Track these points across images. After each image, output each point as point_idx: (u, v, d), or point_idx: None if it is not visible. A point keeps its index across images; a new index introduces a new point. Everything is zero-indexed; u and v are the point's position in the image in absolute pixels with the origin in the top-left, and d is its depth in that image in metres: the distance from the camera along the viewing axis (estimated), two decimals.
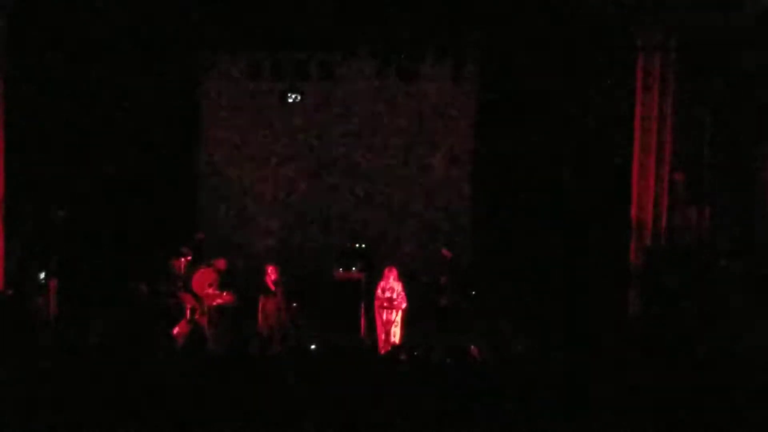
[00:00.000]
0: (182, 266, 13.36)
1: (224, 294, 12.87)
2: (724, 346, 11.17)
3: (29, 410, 7.98)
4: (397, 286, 12.62)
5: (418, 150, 15.80)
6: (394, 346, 11.98)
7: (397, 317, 12.55)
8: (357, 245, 14.61)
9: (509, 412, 8.15)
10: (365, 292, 13.26)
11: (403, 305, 12.58)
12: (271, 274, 13.01)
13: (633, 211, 12.85)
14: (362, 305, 13.26)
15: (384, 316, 12.63)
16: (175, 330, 12.25)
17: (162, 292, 13.21)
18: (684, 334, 11.45)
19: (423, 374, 9.31)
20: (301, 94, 14.32)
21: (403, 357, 11.16)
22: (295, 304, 13.83)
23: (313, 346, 11.60)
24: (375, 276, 13.24)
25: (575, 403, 8.42)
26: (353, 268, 14.13)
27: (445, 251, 13.98)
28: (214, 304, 12.78)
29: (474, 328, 13.22)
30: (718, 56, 12.07)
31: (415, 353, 11.69)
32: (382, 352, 12.12)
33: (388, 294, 12.60)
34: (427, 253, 15.25)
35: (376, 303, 12.73)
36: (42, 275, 13.10)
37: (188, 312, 12.65)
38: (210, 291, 12.78)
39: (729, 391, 8.70)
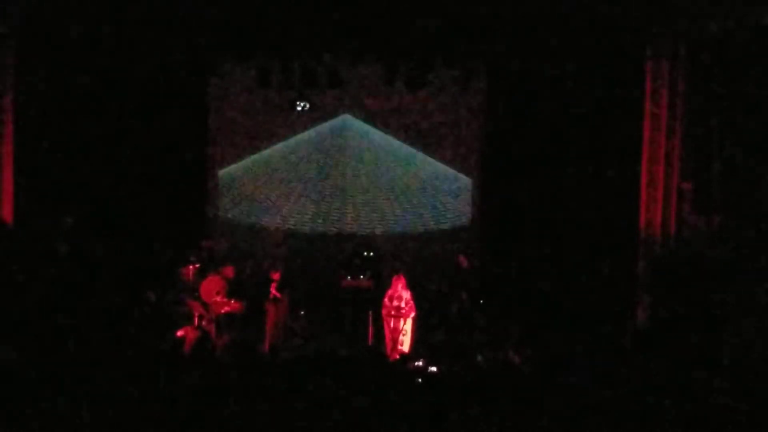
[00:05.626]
0: (190, 274, 13.37)
1: (232, 302, 12.88)
2: (733, 355, 11.16)
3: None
4: (406, 294, 12.61)
5: (426, 157, 15.82)
6: (403, 355, 12.00)
7: (405, 326, 12.54)
8: (365, 253, 14.61)
9: (517, 419, 8.14)
10: (373, 300, 13.25)
11: (412, 314, 12.57)
12: (276, 280, 13.02)
13: (641, 221, 12.83)
14: (370, 313, 13.26)
15: (392, 324, 12.62)
16: (180, 332, 12.22)
17: (170, 299, 13.22)
18: (694, 343, 11.43)
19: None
20: (309, 102, 14.33)
21: (417, 365, 11.20)
22: (302, 312, 13.84)
23: (319, 354, 11.64)
24: (383, 284, 13.24)
25: (585, 411, 8.41)
26: (361, 276, 14.14)
27: (461, 258, 13.98)
28: (222, 311, 12.79)
29: (482, 337, 13.21)
30: (727, 64, 12.05)
31: (421, 361, 11.76)
32: (390, 360, 12.13)
33: (395, 302, 12.60)
34: (436, 261, 15.25)
35: (384, 311, 12.72)
36: None
37: (196, 319, 12.65)
38: (218, 299, 12.80)
39: (740, 398, 8.68)
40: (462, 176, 15.83)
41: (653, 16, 12.27)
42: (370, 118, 15.73)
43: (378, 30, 12.94)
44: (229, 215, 15.90)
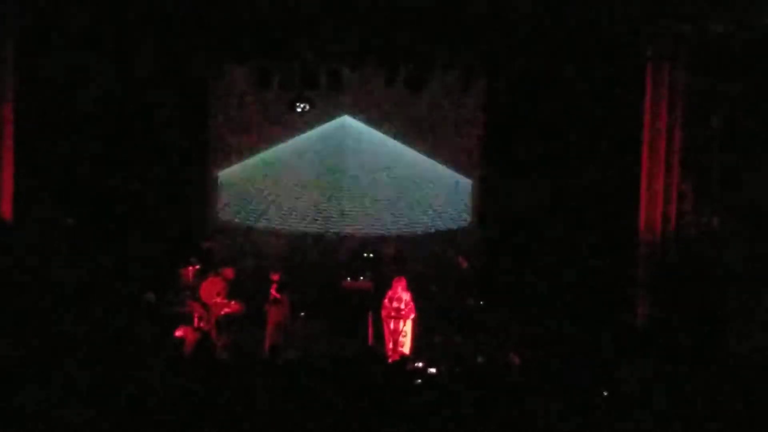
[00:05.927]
0: (190, 275, 13.36)
1: (232, 303, 12.86)
2: (733, 355, 11.16)
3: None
4: (406, 296, 12.60)
5: (426, 158, 15.82)
6: (403, 356, 11.98)
7: (405, 327, 12.53)
8: (365, 254, 14.60)
9: (517, 419, 8.14)
10: (373, 302, 13.24)
11: (412, 315, 12.57)
12: (276, 282, 13.01)
13: (641, 221, 12.83)
14: (370, 315, 13.25)
15: (392, 326, 12.61)
16: (179, 332, 12.20)
17: (170, 300, 13.22)
18: (694, 342, 11.43)
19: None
20: (309, 103, 14.33)
21: (417, 366, 11.18)
22: (302, 314, 13.81)
23: (319, 355, 11.62)
24: (383, 285, 13.23)
25: (584, 410, 8.41)
26: (361, 278, 14.12)
27: (461, 259, 13.98)
28: (222, 313, 12.78)
29: (482, 337, 13.21)
30: (727, 64, 12.06)
31: (420, 364, 11.75)
32: (390, 361, 12.12)
33: (395, 304, 12.58)
34: (436, 262, 15.24)
35: (384, 312, 12.70)
36: None
37: (196, 321, 12.65)
38: (218, 300, 12.78)
39: (740, 398, 8.67)
40: (462, 177, 15.83)
41: (653, 16, 12.27)
42: (370, 119, 15.72)
43: (378, 30, 12.93)
44: (229, 216, 15.89)
